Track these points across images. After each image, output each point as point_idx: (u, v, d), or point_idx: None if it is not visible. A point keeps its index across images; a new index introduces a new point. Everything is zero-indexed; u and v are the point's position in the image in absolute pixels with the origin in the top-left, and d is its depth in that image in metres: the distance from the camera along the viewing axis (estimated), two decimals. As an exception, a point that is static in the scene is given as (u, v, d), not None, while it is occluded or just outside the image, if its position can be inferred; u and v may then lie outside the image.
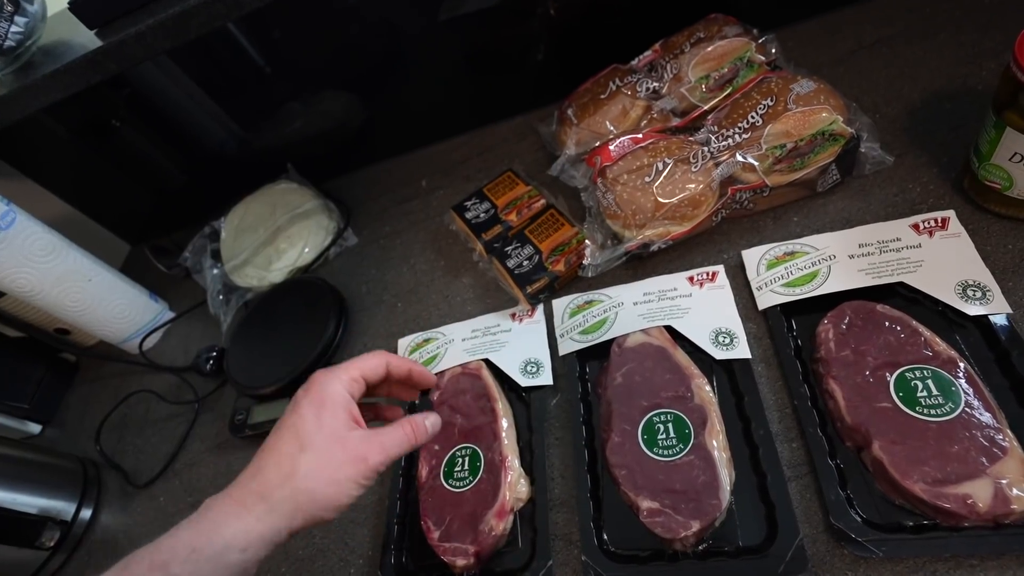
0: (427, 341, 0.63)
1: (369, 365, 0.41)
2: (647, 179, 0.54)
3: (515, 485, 0.49)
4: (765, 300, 0.51)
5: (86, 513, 0.70)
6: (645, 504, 0.44)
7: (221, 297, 0.81)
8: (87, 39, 0.61)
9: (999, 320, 0.44)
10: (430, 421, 0.42)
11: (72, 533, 0.67)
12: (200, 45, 0.71)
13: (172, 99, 0.89)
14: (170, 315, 0.87)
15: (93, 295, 0.77)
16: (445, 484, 0.52)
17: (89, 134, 0.92)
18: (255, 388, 0.67)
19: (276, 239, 0.82)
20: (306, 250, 0.81)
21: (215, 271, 0.83)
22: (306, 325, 0.71)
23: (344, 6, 0.75)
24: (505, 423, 0.53)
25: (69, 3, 0.60)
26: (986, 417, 0.39)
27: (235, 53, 0.81)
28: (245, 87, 0.86)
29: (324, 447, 0.37)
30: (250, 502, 0.36)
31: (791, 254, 0.53)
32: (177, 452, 0.70)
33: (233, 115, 0.90)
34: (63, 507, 0.68)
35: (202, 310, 0.83)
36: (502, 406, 0.54)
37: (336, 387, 0.39)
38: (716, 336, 0.51)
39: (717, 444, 0.45)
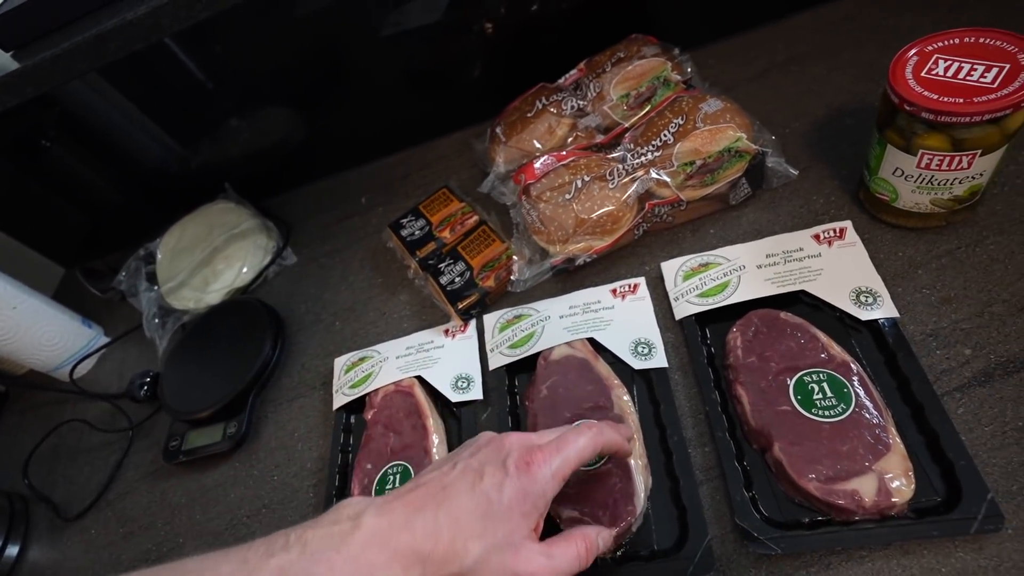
0: (362, 359, 0.63)
1: (588, 455, 0.37)
2: (567, 196, 0.56)
3: (444, 500, 0.50)
4: (681, 310, 0.53)
5: (12, 550, 0.67)
6: (566, 514, 0.45)
7: (157, 320, 0.80)
8: (3, 61, 0.59)
9: (889, 324, 0.47)
10: (603, 538, 0.38)
11: (-2, 572, 0.65)
12: (136, 61, 0.70)
13: (105, 117, 0.87)
14: (104, 340, 0.85)
15: (19, 323, 0.75)
16: (376, 503, 0.52)
17: (17, 155, 0.89)
18: (189, 413, 0.66)
19: (213, 260, 0.81)
20: (244, 270, 0.80)
21: (151, 294, 0.82)
22: (243, 347, 0.70)
23: (287, 21, 0.75)
24: (436, 439, 0.54)
25: (-18, 25, 0.59)
26: (874, 416, 0.42)
27: (174, 69, 0.80)
28: (185, 103, 0.85)
29: (500, 548, 0.33)
30: (409, 564, 0.32)
31: (705, 265, 0.55)
32: (110, 482, 0.69)
33: (171, 132, 0.89)
34: (-13, 545, 0.65)
35: (138, 334, 0.81)
36: (433, 423, 0.55)
37: (549, 487, 0.35)
38: (636, 346, 0.53)
39: (634, 452, 0.46)
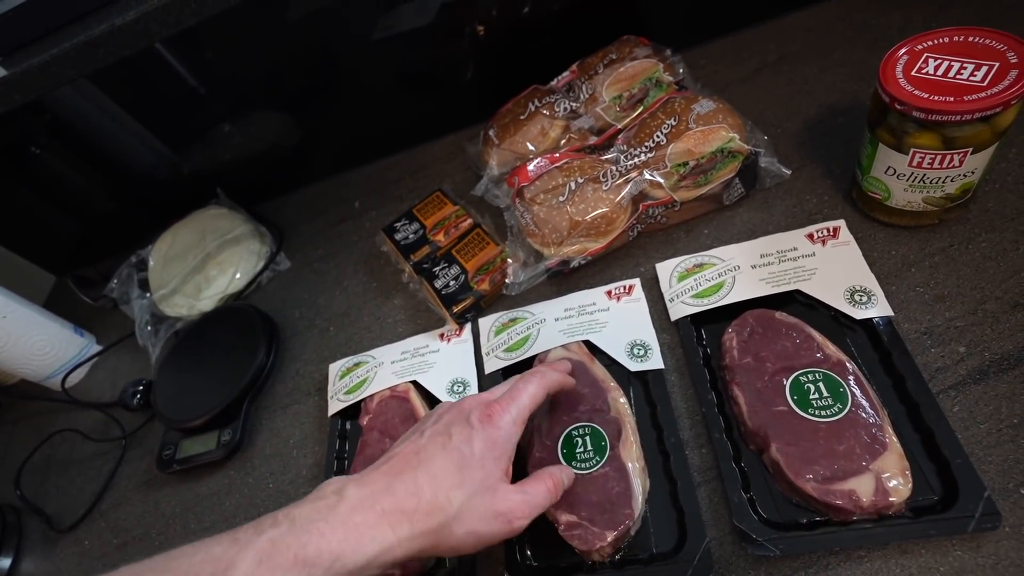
0: (357, 365, 0.63)
1: (539, 398, 0.42)
2: (561, 198, 0.56)
3: (441, 506, 0.50)
4: (677, 311, 0.53)
5: (4, 563, 0.66)
6: (563, 518, 0.45)
7: (150, 328, 0.79)
8: (-10, 68, 0.59)
9: (883, 322, 0.47)
10: (567, 474, 0.43)
11: (-11, 585, 0.64)
12: (126, 66, 0.70)
13: (96, 123, 0.86)
14: (97, 348, 0.84)
15: (9, 333, 0.74)
16: (373, 509, 0.52)
17: (7, 162, 0.89)
18: (182, 421, 0.66)
19: (206, 266, 0.80)
20: (237, 276, 0.79)
21: (143, 301, 0.81)
22: (236, 353, 0.69)
23: (278, 25, 0.75)
24: (432, 444, 0.53)
25: (-33, 33, 0.58)
26: (871, 415, 0.42)
27: (165, 73, 0.80)
28: (176, 109, 0.84)
29: (479, 493, 0.36)
30: (396, 521, 0.35)
31: (700, 266, 0.55)
32: (103, 492, 0.68)
33: (163, 138, 0.88)
34: (-21, 559, 0.65)
35: (131, 342, 0.80)
36: (429, 427, 0.54)
37: (512, 432, 0.39)
38: (632, 348, 0.53)
39: (631, 455, 0.46)
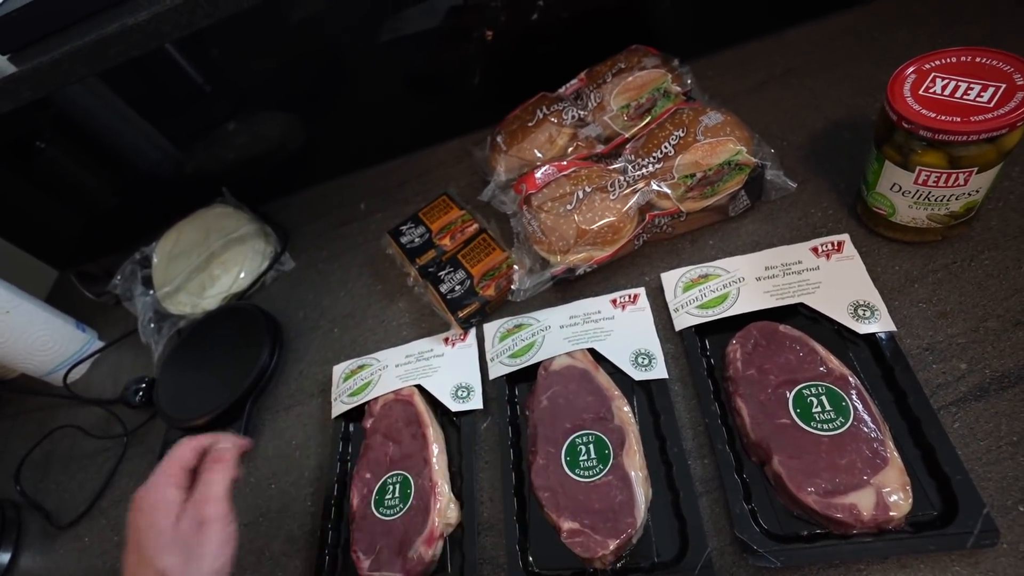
0: (361, 367, 0.63)
1: (180, 455, 0.44)
2: (568, 207, 0.56)
3: (444, 511, 0.50)
4: (681, 321, 0.54)
5: (4, 558, 0.66)
6: (566, 525, 0.45)
7: (152, 325, 0.79)
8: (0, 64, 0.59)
9: (886, 338, 0.47)
10: (222, 445, 0.45)
11: (-12, 581, 0.64)
12: (133, 63, 0.70)
13: (101, 119, 0.86)
14: (99, 344, 0.84)
15: (12, 328, 0.74)
16: (376, 513, 0.52)
17: (11, 156, 0.89)
18: (185, 420, 0.66)
19: (210, 265, 0.80)
20: (241, 275, 0.79)
21: (146, 298, 0.81)
22: (240, 353, 0.70)
23: (285, 26, 0.75)
24: (436, 449, 0.54)
25: (-22, 28, 0.58)
26: (872, 430, 0.42)
27: (171, 71, 0.80)
28: (181, 106, 0.84)
29: (179, 546, 0.40)
30: None
31: (705, 276, 0.55)
32: (103, 489, 0.68)
33: (168, 135, 0.88)
34: (-22, 553, 0.65)
35: (133, 339, 0.80)
36: (433, 432, 0.55)
37: (162, 495, 0.42)
38: (636, 357, 0.53)
39: (634, 464, 0.47)
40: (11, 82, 0.58)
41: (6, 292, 0.74)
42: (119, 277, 0.83)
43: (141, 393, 0.72)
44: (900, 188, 0.47)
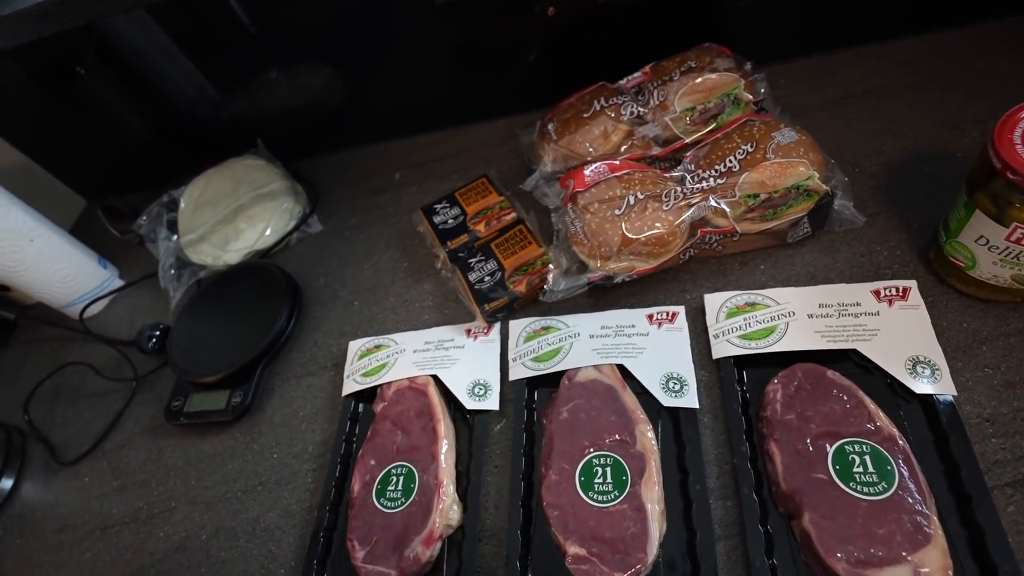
0: (378, 348, 0.61)
1: None
2: (617, 211, 0.53)
3: (447, 512, 0.48)
4: (720, 350, 0.51)
5: (7, 483, 0.67)
6: (572, 550, 0.43)
7: (173, 271, 0.78)
8: (43, -12, 0.56)
9: (944, 401, 0.43)
10: None
11: (-11, 503, 0.65)
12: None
13: (143, 52, 0.84)
14: (119, 283, 0.83)
15: (35, 256, 0.73)
16: (376, 503, 0.50)
17: (50, 79, 0.87)
18: (195, 375, 0.65)
19: (236, 218, 0.79)
20: (267, 233, 0.78)
21: (169, 243, 0.80)
22: (257, 314, 0.68)
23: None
24: (445, 445, 0.52)
25: (21, -53, 0.56)
26: (917, 502, 0.39)
27: (218, 8, 0.77)
28: (225, 47, 0.81)
29: None
30: None
31: (752, 305, 0.52)
32: (108, 431, 0.68)
33: (208, 76, 0.86)
34: (-19, 475, 0.65)
35: (152, 282, 0.80)
36: (444, 427, 0.53)
37: None
38: (667, 381, 0.50)
39: (652, 496, 0.44)
40: (52, 6, 0.56)
41: (32, 220, 0.73)
42: (145, 217, 0.82)
43: (154, 340, 0.71)
44: (988, 242, 0.43)
